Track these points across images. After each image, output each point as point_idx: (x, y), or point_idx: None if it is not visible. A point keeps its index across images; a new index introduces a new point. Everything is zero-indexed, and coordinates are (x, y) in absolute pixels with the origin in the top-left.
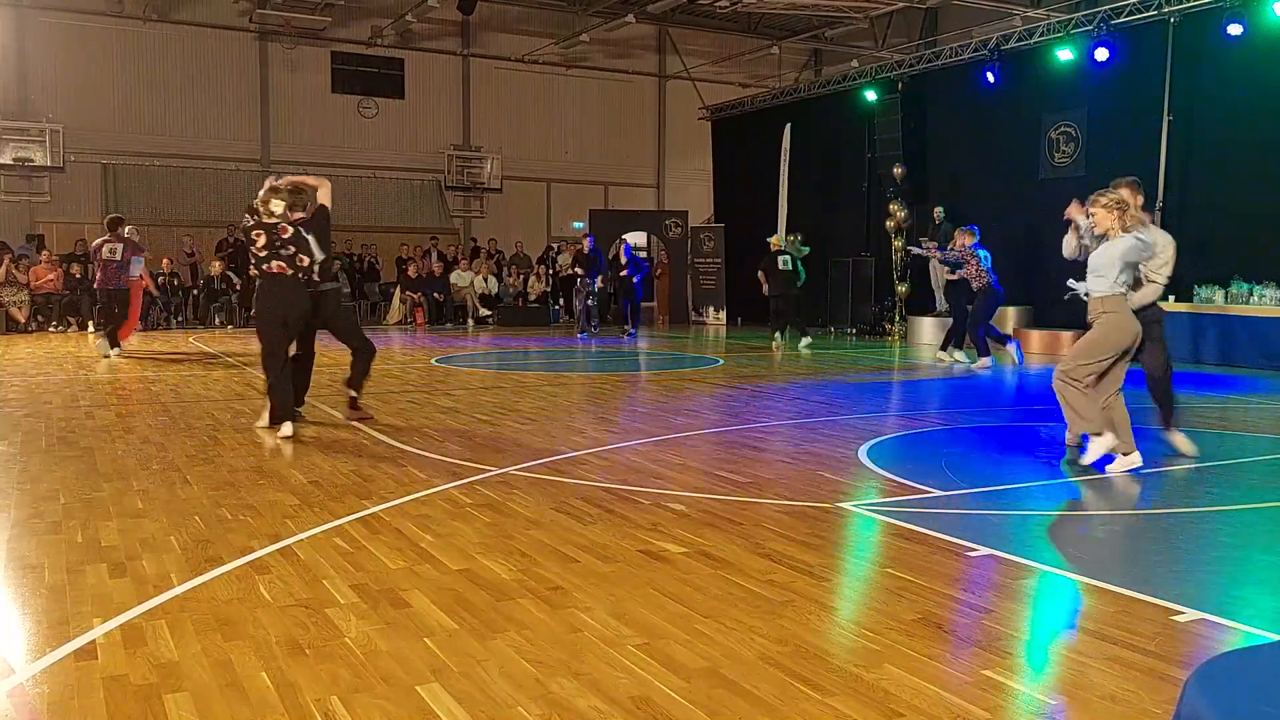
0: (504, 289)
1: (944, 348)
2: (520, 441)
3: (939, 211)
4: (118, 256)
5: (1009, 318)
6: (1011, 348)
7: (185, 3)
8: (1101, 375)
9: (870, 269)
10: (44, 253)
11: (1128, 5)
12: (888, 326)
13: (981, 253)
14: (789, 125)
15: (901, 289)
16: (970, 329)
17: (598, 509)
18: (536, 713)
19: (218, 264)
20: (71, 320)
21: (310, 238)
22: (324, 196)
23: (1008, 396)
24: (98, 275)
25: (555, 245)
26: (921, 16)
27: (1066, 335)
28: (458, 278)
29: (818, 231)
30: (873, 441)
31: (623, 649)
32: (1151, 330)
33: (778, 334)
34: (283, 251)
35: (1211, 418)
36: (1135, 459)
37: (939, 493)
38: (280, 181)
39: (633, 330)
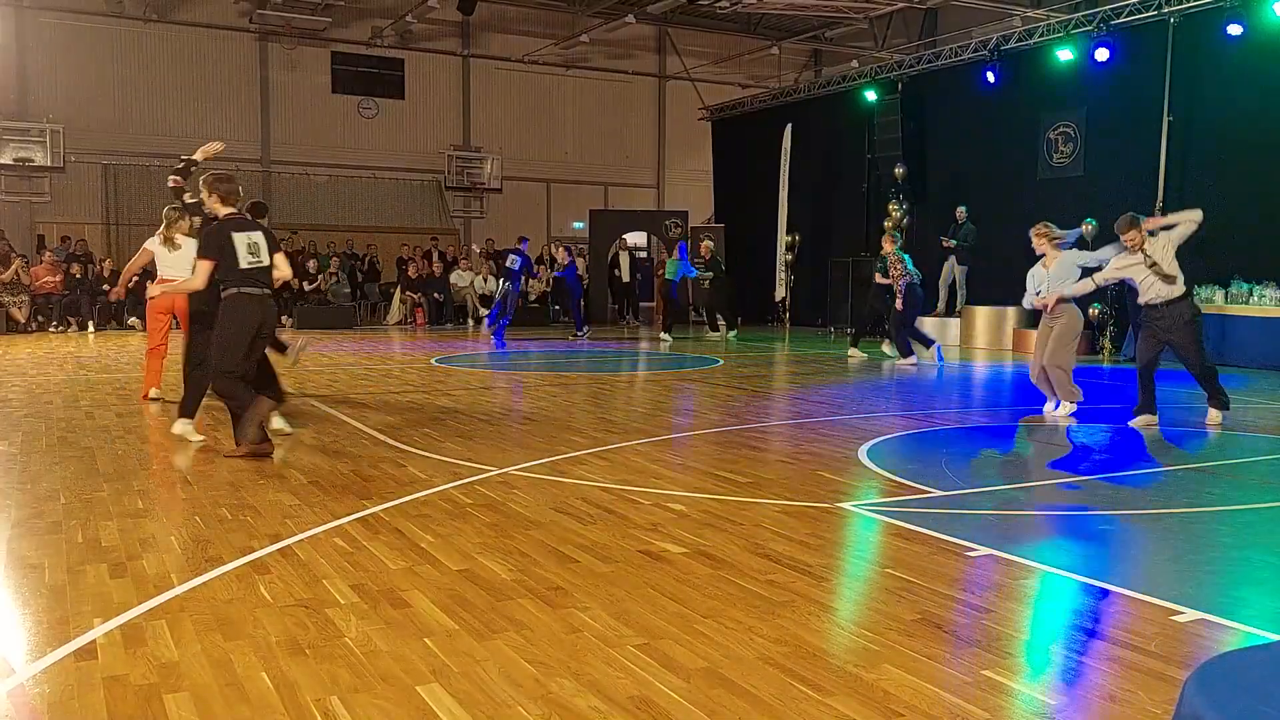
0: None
1: (855, 344)
2: (520, 441)
3: (961, 211)
4: None
5: (1008, 318)
6: (933, 350)
7: (185, 3)
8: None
9: (870, 269)
10: (45, 253)
11: (1128, 5)
12: (887, 327)
13: (905, 256)
14: (790, 126)
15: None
16: (894, 330)
17: (598, 509)
18: (536, 713)
19: None
20: (71, 320)
21: None
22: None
23: (1008, 396)
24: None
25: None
26: (921, 17)
27: None
28: (458, 278)
29: (817, 232)
30: (873, 441)
31: (622, 649)
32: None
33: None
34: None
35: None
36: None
37: (939, 493)
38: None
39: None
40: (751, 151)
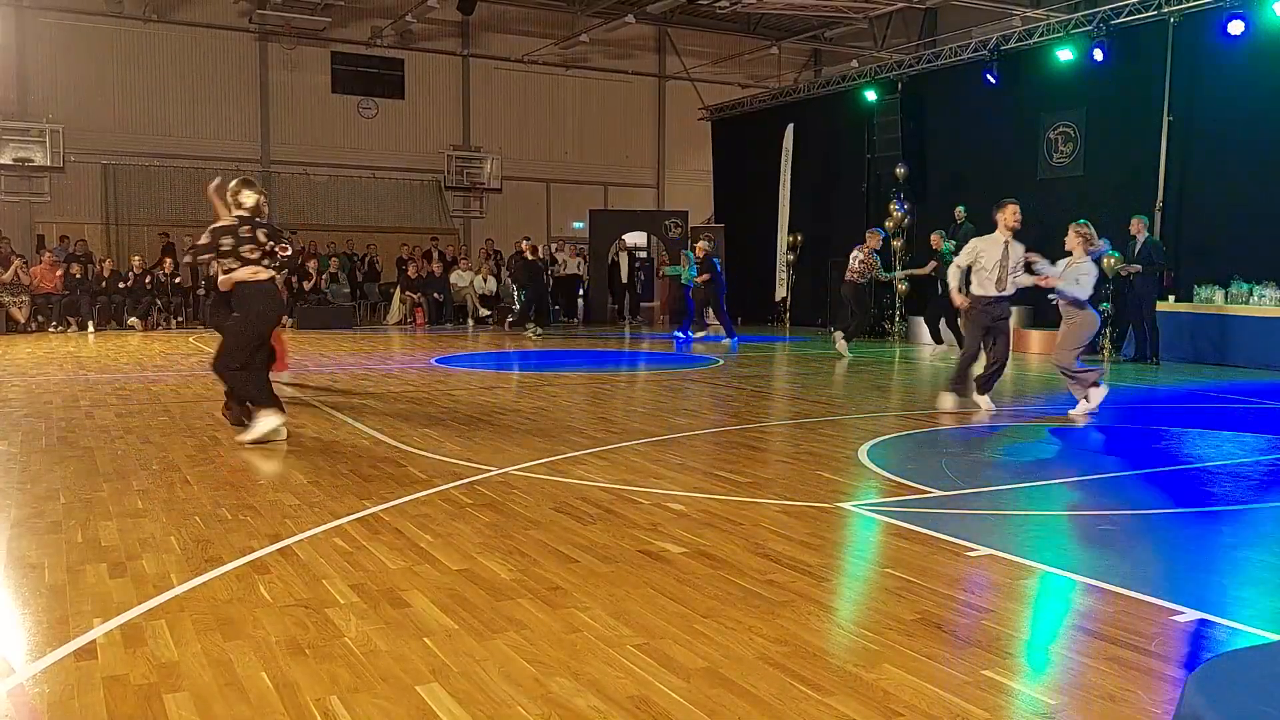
0: (504, 289)
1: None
2: (520, 441)
3: (960, 211)
4: None
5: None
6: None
7: (185, 3)
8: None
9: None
10: (45, 253)
11: (1128, 5)
12: (887, 326)
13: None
14: (791, 126)
15: (901, 289)
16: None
17: (598, 509)
18: (536, 712)
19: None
20: (71, 320)
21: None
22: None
23: (1008, 396)
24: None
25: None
26: (921, 17)
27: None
28: (457, 278)
29: (817, 232)
30: (873, 441)
31: (622, 649)
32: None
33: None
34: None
35: (1211, 418)
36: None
37: (939, 493)
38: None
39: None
40: (751, 151)
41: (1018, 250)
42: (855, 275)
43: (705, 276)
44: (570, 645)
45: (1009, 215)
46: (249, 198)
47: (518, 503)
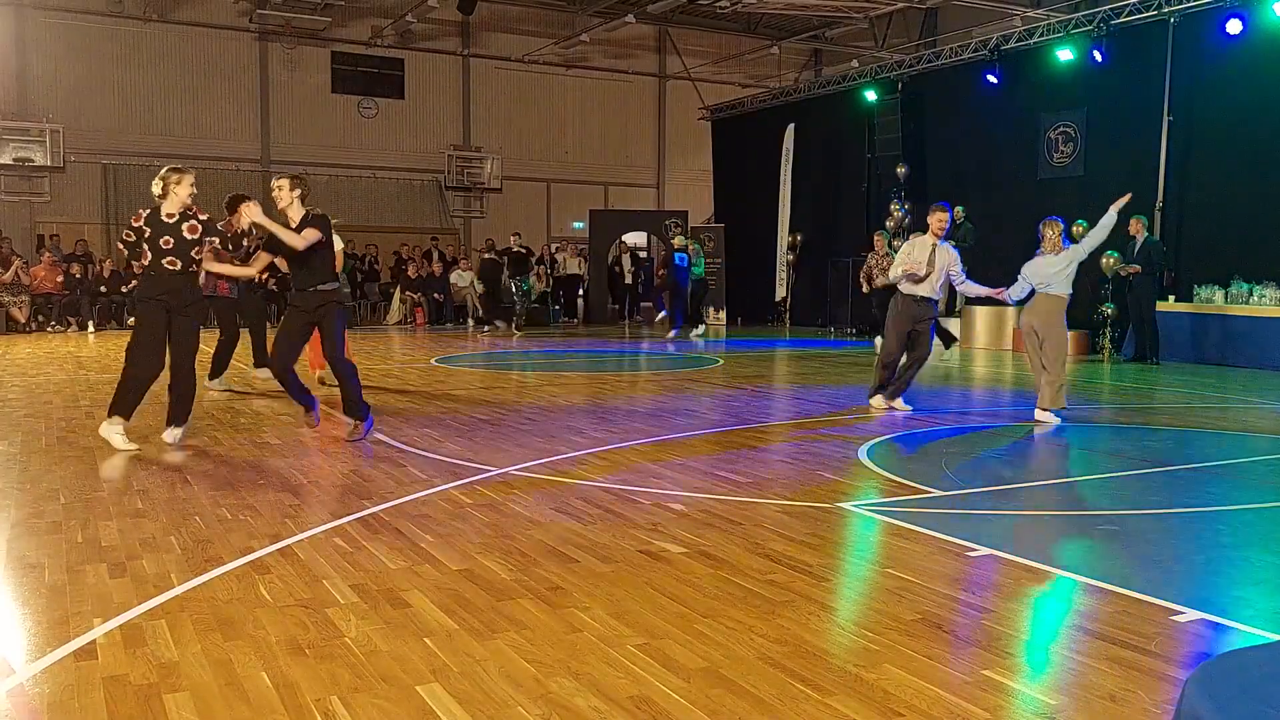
0: (503, 290)
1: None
2: (520, 441)
3: (960, 211)
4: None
5: (1008, 317)
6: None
7: (185, 3)
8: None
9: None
10: (44, 253)
11: (1128, 5)
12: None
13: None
14: (791, 126)
15: None
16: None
17: (598, 509)
18: (536, 712)
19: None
20: (71, 320)
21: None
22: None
23: (1008, 396)
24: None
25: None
26: (921, 16)
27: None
28: (457, 278)
29: (818, 231)
30: (873, 441)
31: (622, 649)
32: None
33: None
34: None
35: (1211, 418)
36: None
37: (939, 493)
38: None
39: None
40: (751, 151)
41: (947, 256)
42: (872, 280)
43: (662, 271)
44: (570, 645)
45: (935, 222)
46: (155, 186)
47: (518, 503)
